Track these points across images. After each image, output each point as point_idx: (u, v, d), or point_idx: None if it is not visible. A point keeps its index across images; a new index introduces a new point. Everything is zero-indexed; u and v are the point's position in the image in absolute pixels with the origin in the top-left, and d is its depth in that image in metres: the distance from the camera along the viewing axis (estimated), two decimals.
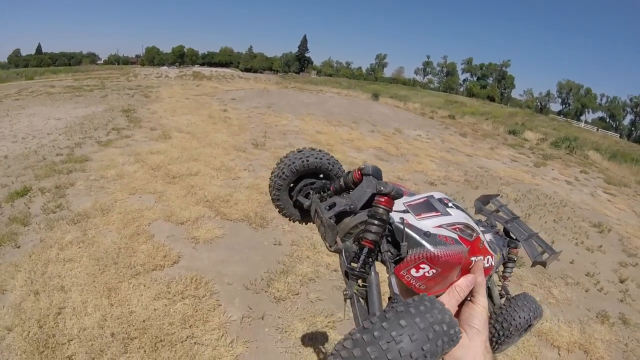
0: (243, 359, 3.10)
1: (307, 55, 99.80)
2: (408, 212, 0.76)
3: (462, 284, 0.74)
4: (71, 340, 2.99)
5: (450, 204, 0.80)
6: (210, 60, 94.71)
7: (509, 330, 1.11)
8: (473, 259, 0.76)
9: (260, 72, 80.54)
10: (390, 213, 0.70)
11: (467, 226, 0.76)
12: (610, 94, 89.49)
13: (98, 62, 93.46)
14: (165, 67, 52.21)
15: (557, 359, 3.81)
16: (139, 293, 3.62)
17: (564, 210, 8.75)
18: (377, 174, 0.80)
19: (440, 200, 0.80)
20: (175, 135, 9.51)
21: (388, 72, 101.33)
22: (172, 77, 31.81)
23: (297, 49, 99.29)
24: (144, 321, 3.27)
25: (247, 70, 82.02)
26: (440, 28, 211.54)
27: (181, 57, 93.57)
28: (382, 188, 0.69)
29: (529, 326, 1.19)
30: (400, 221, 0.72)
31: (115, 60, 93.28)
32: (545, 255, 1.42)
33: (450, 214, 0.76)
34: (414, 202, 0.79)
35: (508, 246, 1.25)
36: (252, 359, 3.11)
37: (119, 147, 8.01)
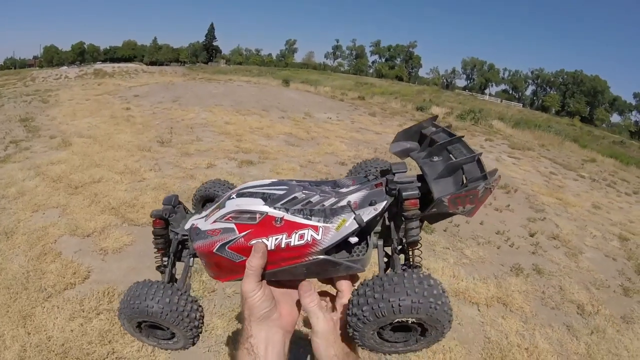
0: None
1: (215, 44, 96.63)
2: (205, 217, 0.84)
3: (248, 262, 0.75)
4: None
5: (233, 196, 0.83)
6: (112, 56, 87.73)
7: (358, 323, 0.68)
8: (253, 242, 0.74)
9: (167, 65, 76.57)
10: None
11: (241, 212, 0.77)
12: (512, 68, 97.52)
13: None
14: (64, 68, 47.79)
15: (477, 315, 4.10)
16: (54, 316, 3.38)
17: None
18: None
19: (229, 196, 0.84)
20: (75, 141, 8.83)
21: (298, 58, 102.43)
22: (72, 77, 29.34)
23: (205, 38, 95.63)
24: (62, 344, 3.07)
25: (153, 63, 77.50)
26: (348, 12, 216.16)
27: (82, 55, 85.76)
28: None
29: (422, 327, 0.70)
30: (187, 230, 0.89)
31: (12, 64, 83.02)
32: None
33: (224, 206, 0.81)
34: (213, 207, 0.87)
35: (398, 199, 0.75)
36: None
37: (17, 161, 7.27)
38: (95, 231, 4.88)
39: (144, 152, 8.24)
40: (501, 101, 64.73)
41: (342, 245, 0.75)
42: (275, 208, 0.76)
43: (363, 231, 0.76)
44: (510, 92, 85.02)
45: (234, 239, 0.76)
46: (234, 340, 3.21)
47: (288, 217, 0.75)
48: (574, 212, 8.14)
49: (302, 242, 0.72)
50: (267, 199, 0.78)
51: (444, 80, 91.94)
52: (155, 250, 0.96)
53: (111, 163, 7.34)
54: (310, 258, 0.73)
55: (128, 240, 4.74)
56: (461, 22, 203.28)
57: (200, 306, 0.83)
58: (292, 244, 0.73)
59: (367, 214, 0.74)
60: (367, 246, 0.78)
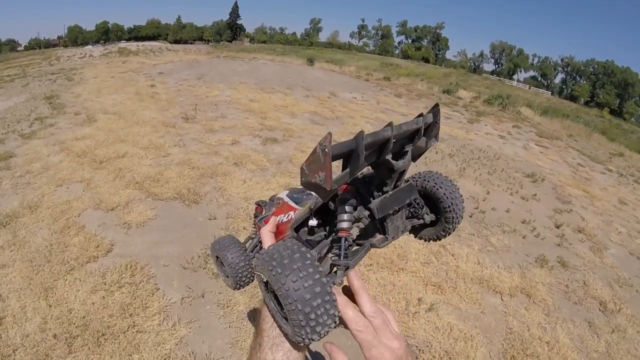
0: (187, 340, 3.04)
1: (239, 22, 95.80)
2: None
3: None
4: (16, 349, 2.80)
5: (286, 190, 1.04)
6: (137, 35, 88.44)
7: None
8: (272, 218, 0.96)
9: (191, 43, 76.71)
10: None
11: (277, 199, 1.03)
12: (542, 55, 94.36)
13: (18, 48, 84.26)
14: (89, 46, 48.47)
15: (500, 304, 4.02)
16: (76, 289, 3.42)
17: (498, 162, 9.24)
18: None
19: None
20: (100, 117, 8.91)
21: (323, 37, 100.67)
22: (97, 56, 29.56)
23: (229, 17, 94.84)
24: (84, 317, 3.11)
25: (177, 42, 77.74)
26: None
27: (106, 34, 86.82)
28: None
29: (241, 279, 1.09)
30: None
31: (37, 45, 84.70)
32: None
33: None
34: None
35: None
36: (197, 339, 3.06)
37: (43, 137, 7.38)
38: (119, 205, 4.91)
39: (169, 128, 8.27)
40: (529, 88, 62.78)
41: (309, 228, 0.88)
42: (287, 196, 0.97)
43: (324, 217, 0.86)
44: (539, 79, 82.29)
45: (267, 215, 1.05)
46: (254, 318, 3.22)
47: (290, 203, 0.94)
48: (600, 206, 7.88)
49: (287, 219, 0.92)
50: (293, 190, 1.00)
51: (472, 64, 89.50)
52: (253, 226, 1.21)
53: (136, 139, 7.39)
54: (288, 233, 0.89)
55: (152, 215, 4.76)
56: (491, 4, 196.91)
57: (252, 271, 1.07)
58: (284, 221, 0.92)
59: (318, 202, 0.83)
60: (326, 233, 0.88)
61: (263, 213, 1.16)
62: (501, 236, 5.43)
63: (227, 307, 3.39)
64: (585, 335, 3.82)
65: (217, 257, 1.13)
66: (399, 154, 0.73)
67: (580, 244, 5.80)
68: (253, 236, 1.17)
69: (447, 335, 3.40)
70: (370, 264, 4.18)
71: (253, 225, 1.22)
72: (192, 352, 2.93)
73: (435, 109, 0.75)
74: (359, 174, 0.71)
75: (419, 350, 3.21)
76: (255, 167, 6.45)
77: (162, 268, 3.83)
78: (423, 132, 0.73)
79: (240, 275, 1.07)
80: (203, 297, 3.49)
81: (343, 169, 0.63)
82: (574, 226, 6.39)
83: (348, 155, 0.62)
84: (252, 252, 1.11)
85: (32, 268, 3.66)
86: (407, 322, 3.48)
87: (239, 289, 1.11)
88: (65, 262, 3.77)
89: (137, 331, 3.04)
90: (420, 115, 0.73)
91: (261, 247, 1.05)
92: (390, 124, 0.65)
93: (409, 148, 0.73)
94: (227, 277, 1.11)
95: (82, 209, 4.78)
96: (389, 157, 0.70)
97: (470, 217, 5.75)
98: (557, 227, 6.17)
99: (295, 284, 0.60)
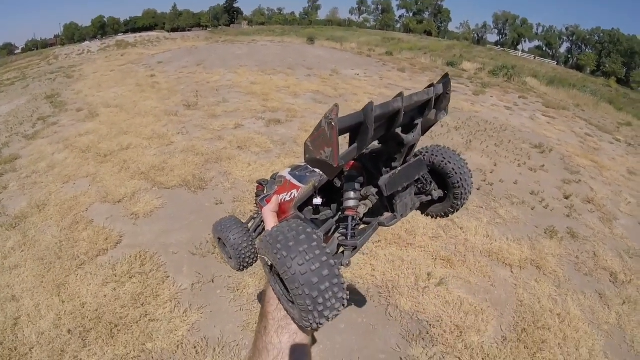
0: (199, 325, 3.08)
1: (236, 6, 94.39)
2: None
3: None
4: (32, 348, 2.86)
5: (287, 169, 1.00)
6: (134, 27, 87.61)
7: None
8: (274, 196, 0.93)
9: (188, 30, 75.84)
10: None
11: (280, 176, 0.98)
12: (547, 24, 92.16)
13: (16, 51, 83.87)
14: (87, 42, 48.07)
15: (510, 277, 4.00)
16: (87, 283, 3.47)
17: (505, 134, 9.11)
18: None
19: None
20: (102, 111, 8.92)
21: (322, 15, 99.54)
22: (95, 51, 29.32)
23: (225, 1, 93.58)
24: (96, 310, 3.16)
25: (174, 30, 77.02)
26: None
27: (103, 29, 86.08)
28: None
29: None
30: None
31: (34, 46, 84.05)
32: None
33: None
34: None
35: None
36: (209, 324, 3.10)
37: (46, 136, 7.42)
38: (126, 197, 4.94)
39: (171, 117, 8.27)
40: (534, 58, 61.52)
41: (314, 207, 0.88)
42: (289, 174, 0.94)
43: (329, 195, 0.85)
44: (544, 48, 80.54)
45: (269, 194, 0.97)
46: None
47: (293, 181, 0.91)
48: (609, 176, 7.75)
49: (289, 198, 0.88)
50: (295, 168, 0.96)
51: (475, 35, 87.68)
52: (255, 206, 1.17)
53: (139, 129, 7.40)
54: (291, 212, 0.87)
55: (159, 204, 4.80)
56: None
57: (255, 250, 1.06)
58: (286, 200, 0.89)
59: (323, 179, 0.83)
60: (332, 212, 0.87)
61: (265, 192, 1.11)
62: (510, 208, 5.38)
63: (237, 290, 3.42)
64: (596, 307, 3.79)
65: (219, 239, 1.11)
66: (408, 127, 0.70)
67: (589, 215, 5.73)
68: (255, 216, 1.16)
69: (457, 310, 3.40)
70: (379, 241, 4.18)
71: (255, 205, 1.18)
72: (205, 337, 2.96)
73: (445, 79, 0.71)
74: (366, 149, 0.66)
75: (430, 325, 3.22)
76: (259, 149, 6.44)
77: (171, 256, 3.86)
78: (433, 104, 0.70)
79: (244, 257, 1.06)
80: (213, 282, 3.52)
81: (350, 144, 0.60)
82: (583, 197, 6.30)
83: (356, 129, 0.58)
84: (254, 232, 1.10)
85: (43, 266, 3.71)
86: (417, 297, 3.48)
87: (243, 270, 1.10)
88: (75, 257, 3.81)
89: (149, 320, 3.08)
90: (431, 85, 0.69)
91: (264, 227, 1.06)
92: (400, 95, 0.61)
93: (418, 121, 0.70)
94: (230, 258, 1.10)
95: (89, 203, 4.83)
96: (398, 130, 0.67)
97: (478, 189, 5.70)
98: (566, 197, 6.09)
99: (301, 267, 0.58)
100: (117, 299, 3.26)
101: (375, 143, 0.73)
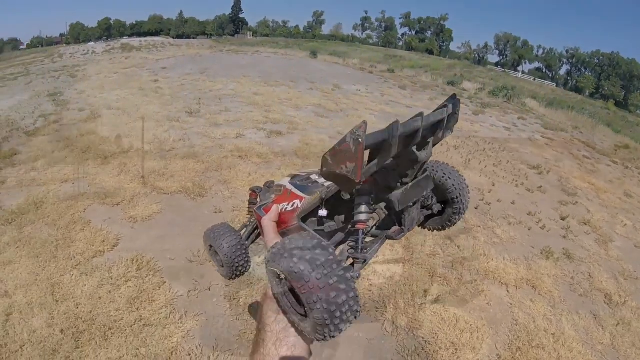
0: (194, 333, 3.06)
1: (241, 16, 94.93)
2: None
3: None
4: (23, 345, 2.83)
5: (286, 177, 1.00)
6: (139, 31, 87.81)
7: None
8: (274, 206, 0.93)
9: (193, 38, 76.29)
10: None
11: (279, 186, 0.98)
12: (547, 46, 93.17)
13: (21, 47, 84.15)
14: (92, 43, 48.36)
15: (506, 296, 4.01)
16: (82, 284, 3.44)
17: (503, 154, 9.19)
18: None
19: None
20: (104, 113, 8.96)
21: (326, 29, 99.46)
22: (100, 52, 29.59)
23: (231, 11, 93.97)
24: (90, 312, 3.13)
25: (179, 37, 77.19)
26: None
27: (108, 31, 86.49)
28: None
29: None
30: None
31: (39, 43, 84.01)
32: None
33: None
34: None
35: None
36: (203, 332, 3.09)
37: (47, 134, 7.42)
38: (125, 200, 4.94)
39: (173, 123, 8.30)
40: (534, 79, 62.17)
41: (318, 219, 0.86)
42: (290, 183, 0.92)
43: (333, 208, 0.84)
44: (544, 70, 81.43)
45: (267, 202, 0.98)
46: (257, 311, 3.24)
47: (295, 191, 0.89)
48: (606, 198, 7.80)
49: (292, 208, 0.87)
50: (295, 177, 0.95)
51: (476, 55, 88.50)
52: (248, 212, 1.21)
53: (140, 133, 7.38)
54: (293, 223, 0.86)
55: (157, 209, 4.79)
56: None
57: (248, 258, 1.06)
58: (287, 210, 0.88)
59: (330, 191, 0.81)
60: (336, 224, 0.86)
61: (258, 200, 1.11)
62: (507, 228, 5.41)
63: (234, 299, 3.41)
64: (591, 328, 3.80)
65: (211, 246, 1.09)
66: (420, 145, 0.71)
67: (585, 236, 5.76)
68: (248, 224, 1.17)
69: (453, 327, 3.39)
70: (376, 256, 4.16)
71: (248, 212, 1.19)
72: (199, 345, 2.94)
73: (454, 100, 0.73)
74: None
75: (425, 341, 3.21)
76: (260, 160, 6.46)
77: (168, 262, 3.85)
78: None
79: (237, 265, 1.04)
80: (209, 290, 3.51)
81: (370, 160, 0.61)
82: (579, 218, 6.34)
83: (379, 146, 0.59)
84: (247, 240, 1.09)
85: (38, 264, 3.68)
86: (414, 313, 3.48)
87: (234, 279, 1.08)
88: (71, 257, 3.79)
89: (144, 325, 3.05)
90: (445, 105, 0.71)
91: (257, 235, 1.10)
92: (420, 114, 0.63)
93: (431, 139, 0.72)
94: (222, 266, 1.08)
95: (87, 204, 4.81)
96: (413, 148, 0.68)
97: (476, 209, 5.73)
98: (563, 219, 6.13)
99: (320, 281, 0.58)
100: (112, 302, 3.24)
101: None
